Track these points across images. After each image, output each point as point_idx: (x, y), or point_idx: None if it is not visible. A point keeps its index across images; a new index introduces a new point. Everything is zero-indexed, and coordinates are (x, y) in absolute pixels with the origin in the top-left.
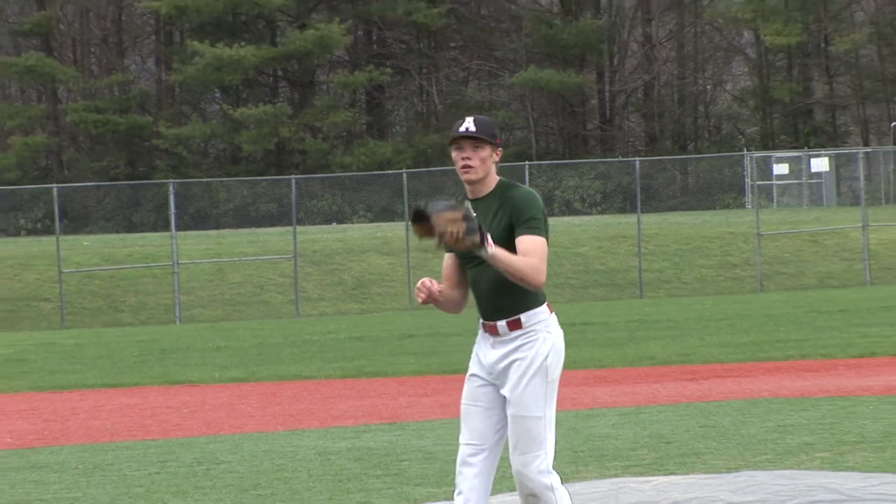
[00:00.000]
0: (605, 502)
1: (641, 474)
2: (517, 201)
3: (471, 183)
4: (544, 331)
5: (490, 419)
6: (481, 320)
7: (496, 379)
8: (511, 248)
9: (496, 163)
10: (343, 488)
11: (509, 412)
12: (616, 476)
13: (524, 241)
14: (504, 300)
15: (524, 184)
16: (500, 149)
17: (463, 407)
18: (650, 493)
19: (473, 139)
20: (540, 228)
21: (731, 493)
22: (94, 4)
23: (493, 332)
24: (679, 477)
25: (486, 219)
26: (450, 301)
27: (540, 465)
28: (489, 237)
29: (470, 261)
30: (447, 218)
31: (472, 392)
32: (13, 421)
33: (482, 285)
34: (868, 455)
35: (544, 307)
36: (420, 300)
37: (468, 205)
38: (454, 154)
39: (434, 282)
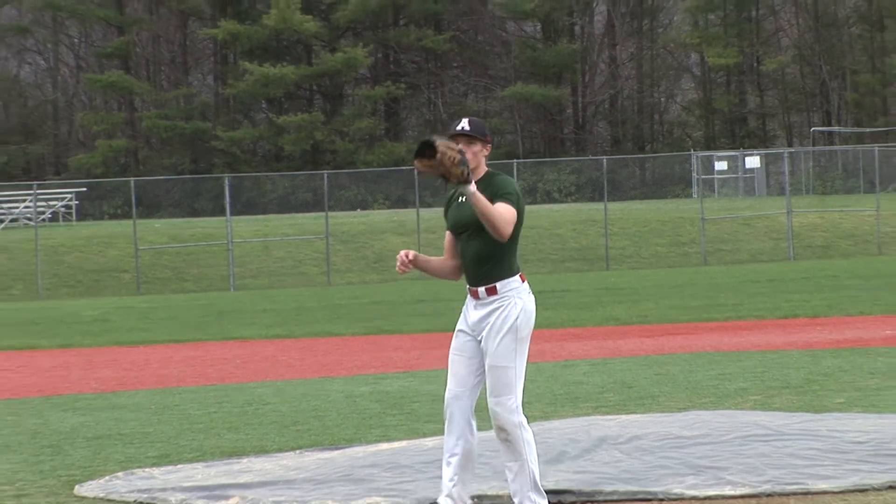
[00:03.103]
0: (577, 436)
1: (608, 413)
2: (498, 184)
3: None
4: (516, 297)
5: (471, 366)
6: (467, 286)
7: (478, 334)
8: None
9: (486, 156)
10: (365, 424)
11: (486, 362)
12: (587, 415)
13: (499, 206)
14: (483, 269)
15: (512, 177)
16: (490, 144)
17: (450, 357)
18: (615, 428)
19: (467, 136)
20: (513, 201)
21: (680, 428)
22: (163, 31)
23: (475, 295)
24: (638, 415)
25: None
26: (444, 269)
27: (510, 405)
28: (472, 178)
29: (460, 234)
30: (447, 145)
31: (458, 345)
32: (98, 370)
33: (467, 256)
34: (792, 398)
35: (517, 277)
36: (401, 272)
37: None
38: None
39: (407, 252)
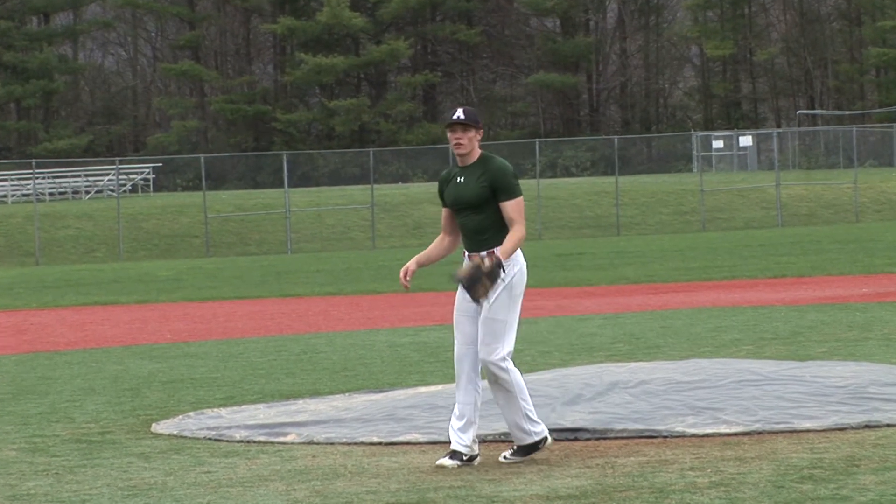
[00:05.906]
0: (592, 381)
1: (618, 361)
2: (496, 172)
3: (461, 156)
4: (511, 260)
5: (475, 324)
6: (466, 252)
7: None
8: (490, 203)
9: (479, 140)
10: (406, 371)
11: (481, 315)
12: (601, 362)
13: (507, 208)
14: (483, 238)
15: (535, 156)
16: (482, 130)
17: (455, 317)
18: (624, 374)
19: (463, 124)
20: (514, 191)
21: (682, 374)
22: (229, 26)
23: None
24: (645, 363)
25: (472, 180)
26: (442, 250)
27: (498, 354)
28: (495, 257)
29: (460, 211)
30: (476, 275)
31: (463, 307)
32: (172, 323)
33: (469, 228)
34: (780, 348)
35: None
36: (406, 287)
37: (475, 262)
38: (449, 135)
39: (405, 271)
